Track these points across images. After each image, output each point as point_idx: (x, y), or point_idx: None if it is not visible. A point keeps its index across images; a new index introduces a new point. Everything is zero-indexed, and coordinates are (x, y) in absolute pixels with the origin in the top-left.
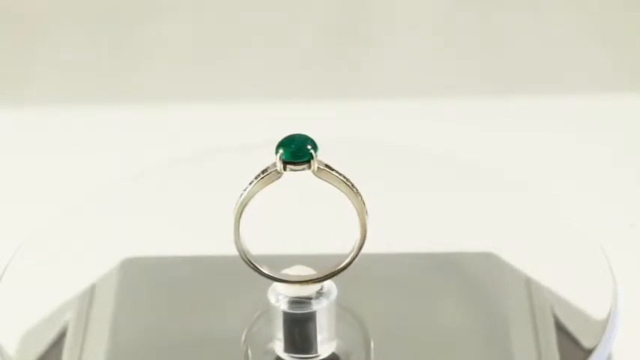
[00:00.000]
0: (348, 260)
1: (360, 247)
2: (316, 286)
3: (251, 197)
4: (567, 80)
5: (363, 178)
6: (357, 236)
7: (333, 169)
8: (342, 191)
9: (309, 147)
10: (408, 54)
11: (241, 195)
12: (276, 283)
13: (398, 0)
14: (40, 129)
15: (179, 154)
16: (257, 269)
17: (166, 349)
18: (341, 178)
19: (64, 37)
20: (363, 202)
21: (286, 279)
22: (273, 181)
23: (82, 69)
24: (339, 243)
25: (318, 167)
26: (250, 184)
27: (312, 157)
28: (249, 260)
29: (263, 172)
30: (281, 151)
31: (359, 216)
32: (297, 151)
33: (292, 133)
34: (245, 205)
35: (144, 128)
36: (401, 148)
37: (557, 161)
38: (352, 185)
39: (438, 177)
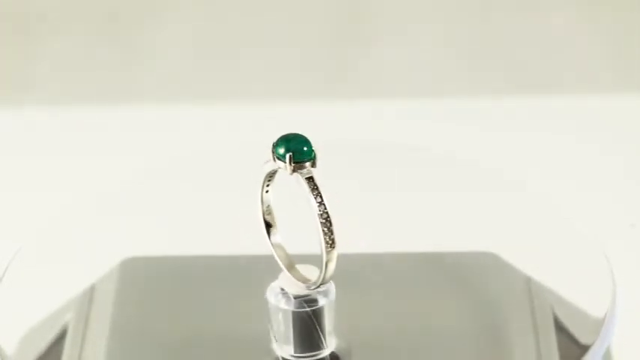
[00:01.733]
0: (313, 287)
1: (323, 280)
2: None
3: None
4: (567, 80)
5: (363, 178)
6: (321, 267)
7: (312, 184)
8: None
9: (304, 149)
10: (408, 54)
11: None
12: (275, 283)
13: (398, 0)
14: (41, 129)
15: (179, 154)
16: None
17: (166, 349)
18: (315, 198)
19: (65, 37)
20: (331, 233)
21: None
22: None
23: (83, 69)
24: (343, 242)
25: (294, 171)
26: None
27: (289, 160)
28: (265, 219)
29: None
30: (281, 149)
31: (322, 248)
32: (287, 150)
33: (296, 133)
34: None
35: (144, 128)
36: (401, 147)
37: (557, 161)
38: (324, 210)
39: (438, 177)
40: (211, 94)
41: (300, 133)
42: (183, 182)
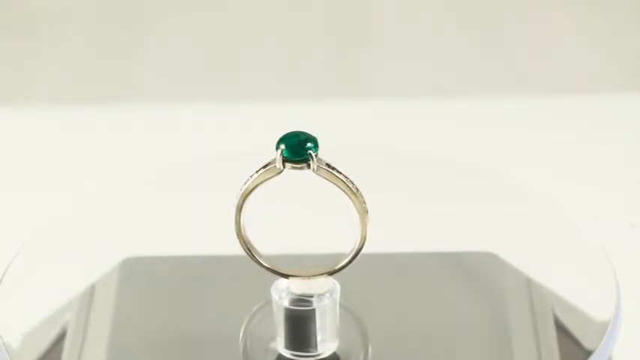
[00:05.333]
0: (347, 260)
1: (360, 248)
2: (323, 285)
3: (251, 190)
4: (567, 80)
5: (366, 179)
6: (357, 237)
7: (333, 169)
8: (342, 190)
9: (308, 145)
10: (409, 54)
11: (241, 187)
12: (279, 281)
13: (398, 0)
14: (40, 129)
15: (179, 153)
16: (258, 262)
17: (166, 349)
18: (341, 177)
19: (65, 37)
20: (364, 201)
21: (286, 272)
22: (273, 176)
23: (82, 69)
24: (343, 242)
25: (318, 166)
26: (251, 176)
27: (310, 157)
28: (249, 252)
29: (264, 166)
30: (282, 146)
31: (359, 216)
32: (296, 148)
33: (295, 130)
34: (245, 197)
35: (144, 129)
36: (401, 149)
37: (557, 161)
38: (352, 184)
39: (439, 178)
40: (212, 95)
41: (299, 130)
42: (184, 182)
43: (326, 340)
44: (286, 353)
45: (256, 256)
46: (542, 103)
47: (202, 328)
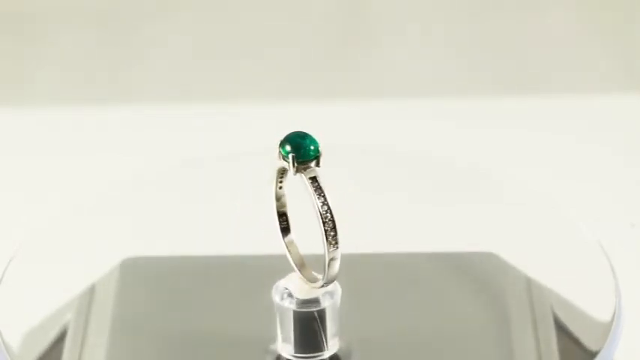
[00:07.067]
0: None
1: (326, 280)
2: (321, 288)
3: (279, 170)
4: (567, 80)
5: (366, 179)
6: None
7: (315, 184)
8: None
9: (310, 147)
10: (409, 54)
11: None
12: (279, 281)
13: (398, 0)
14: (40, 129)
15: (179, 153)
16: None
17: (166, 349)
18: (318, 198)
19: (64, 37)
20: (335, 242)
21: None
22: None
23: (82, 69)
24: (345, 243)
25: (297, 171)
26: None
27: (292, 161)
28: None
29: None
30: (287, 147)
31: (325, 258)
32: (293, 147)
33: (306, 132)
34: (278, 172)
35: (144, 128)
36: (403, 149)
37: (557, 161)
38: (328, 217)
39: (439, 178)
40: (212, 95)
41: (305, 131)
42: (184, 182)
43: (326, 341)
44: (286, 354)
45: (284, 236)
46: (542, 103)
47: (202, 328)
